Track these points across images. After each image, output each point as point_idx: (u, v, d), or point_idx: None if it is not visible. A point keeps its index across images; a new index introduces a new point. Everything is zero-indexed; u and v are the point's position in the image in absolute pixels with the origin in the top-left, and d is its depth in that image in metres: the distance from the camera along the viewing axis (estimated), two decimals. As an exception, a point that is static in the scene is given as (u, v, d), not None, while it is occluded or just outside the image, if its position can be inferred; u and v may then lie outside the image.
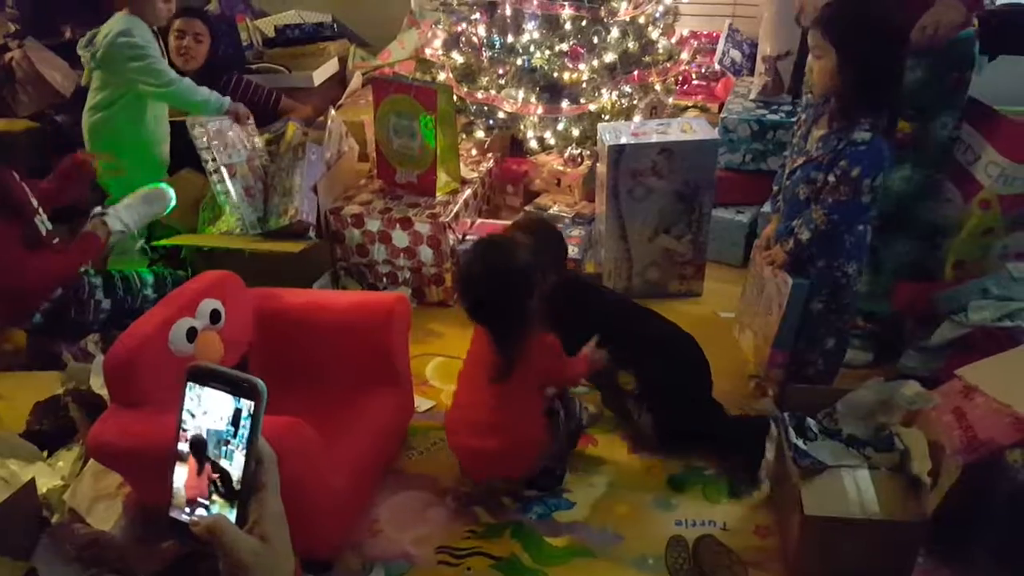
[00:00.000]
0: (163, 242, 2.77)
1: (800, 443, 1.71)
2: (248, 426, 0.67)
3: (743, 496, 1.97)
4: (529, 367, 1.80)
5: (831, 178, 1.81)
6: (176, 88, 2.69)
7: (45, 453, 2.04)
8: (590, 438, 2.16)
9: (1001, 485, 1.60)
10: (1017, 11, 2.81)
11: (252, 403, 0.67)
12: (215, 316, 1.84)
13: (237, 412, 0.67)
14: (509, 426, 1.83)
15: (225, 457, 0.68)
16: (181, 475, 0.69)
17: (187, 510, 0.69)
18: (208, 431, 0.68)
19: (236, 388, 0.67)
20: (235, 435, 0.67)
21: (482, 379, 1.82)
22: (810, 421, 1.77)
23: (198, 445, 0.68)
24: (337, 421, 1.85)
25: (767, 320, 2.08)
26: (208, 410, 0.68)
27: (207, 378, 0.68)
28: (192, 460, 0.69)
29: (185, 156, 2.99)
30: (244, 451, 0.67)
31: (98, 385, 2.13)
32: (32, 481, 1.86)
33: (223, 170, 2.68)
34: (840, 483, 1.66)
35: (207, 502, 0.68)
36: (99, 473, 1.88)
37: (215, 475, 0.68)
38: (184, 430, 0.69)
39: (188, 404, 0.68)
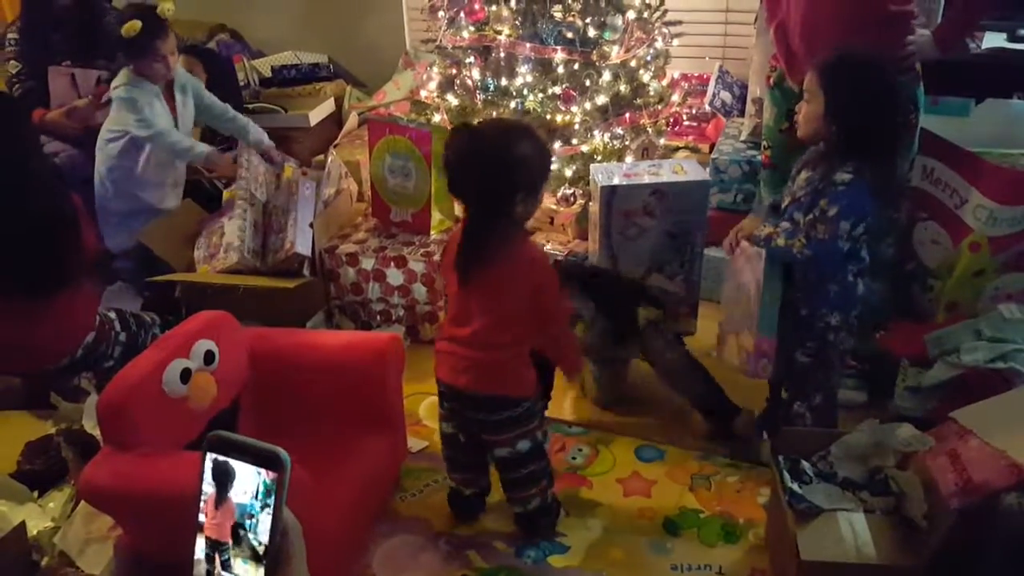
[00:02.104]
0: (158, 279, 2.78)
1: (795, 487, 1.70)
2: (273, 497, 0.65)
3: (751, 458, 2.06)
4: (514, 276, 1.72)
5: (810, 216, 1.83)
6: (155, 136, 2.82)
7: (36, 494, 2.02)
8: (585, 480, 2.15)
9: (997, 529, 1.59)
10: (1004, 55, 2.88)
11: (276, 474, 0.65)
12: (209, 357, 1.83)
13: (260, 483, 0.65)
14: (497, 343, 1.75)
15: (251, 530, 0.66)
16: (201, 544, 0.67)
17: (207, 552, 0.67)
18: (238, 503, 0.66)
19: (258, 459, 0.65)
20: (260, 508, 0.66)
21: (472, 299, 1.74)
22: (805, 464, 1.77)
23: (223, 476, 0.66)
24: (329, 463, 1.83)
25: (747, 309, 1.99)
26: (234, 468, 0.66)
27: (228, 449, 0.66)
28: (213, 492, 0.66)
29: (187, 187, 3.05)
30: (270, 522, 0.65)
31: (91, 426, 2.12)
32: (22, 523, 1.83)
33: (247, 199, 2.77)
34: (836, 527, 1.66)
35: (229, 548, 0.66)
36: (90, 515, 1.86)
37: (238, 527, 0.66)
38: (204, 502, 0.67)
39: (207, 475, 0.67)
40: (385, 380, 1.97)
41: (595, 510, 2.06)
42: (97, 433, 2.02)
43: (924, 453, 1.74)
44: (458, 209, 1.97)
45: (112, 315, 2.33)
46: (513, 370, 1.80)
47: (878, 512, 1.69)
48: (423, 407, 2.46)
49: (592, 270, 2.33)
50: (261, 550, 0.66)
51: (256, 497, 0.65)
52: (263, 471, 0.65)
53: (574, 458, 2.23)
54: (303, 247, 2.70)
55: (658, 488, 2.12)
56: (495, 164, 1.66)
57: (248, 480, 0.66)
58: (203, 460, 0.67)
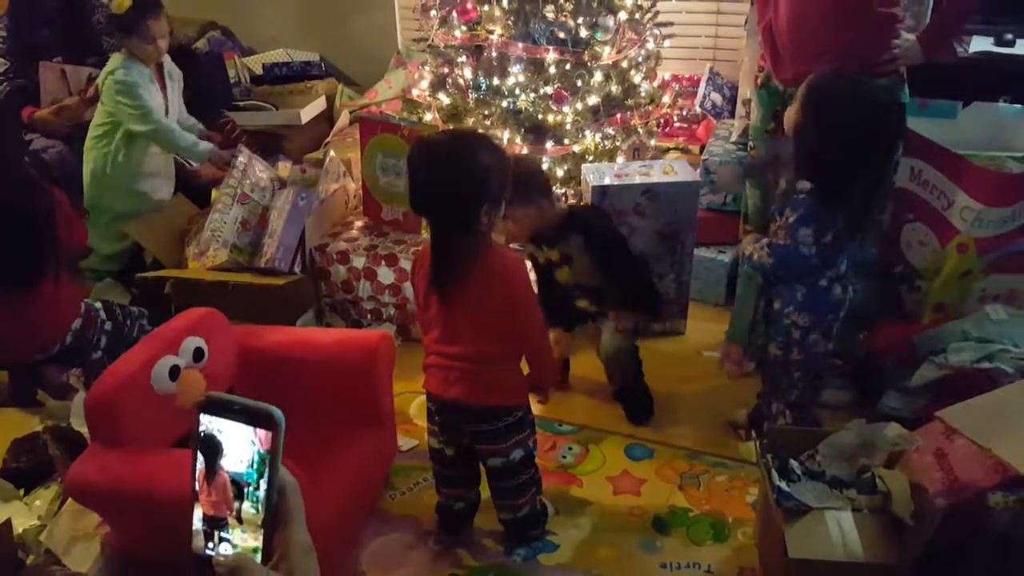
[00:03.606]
0: (147, 275, 2.77)
1: (783, 485, 1.71)
2: (268, 458, 0.64)
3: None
4: (491, 291, 1.68)
5: (776, 224, 1.87)
6: (157, 129, 2.83)
7: (22, 492, 2.01)
8: (575, 479, 2.15)
9: (983, 527, 1.61)
10: (990, 59, 2.91)
11: (271, 433, 0.64)
12: (198, 354, 1.83)
13: (255, 454, 0.64)
14: (488, 356, 1.73)
15: (249, 499, 0.65)
16: (199, 513, 0.67)
17: (205, 528, 0.66)
18: (229, 473, 0.65)
19: (253, 419, 0.65)
20: (256, 477, 0.65)
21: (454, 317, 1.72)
22: (793, 463, 1.78)
23: (209, 446, 0.65)
24: (319, 461, 1.83)
25: None
26: (226, 444, 0.65)
27: (222, 410, 0.65)
28: (202, 465, 0.66)
29: (179, 183, 3.07)
30: (266, 483, 0.64)
31: (78, 423, 2.10)
32: (8, 521, 1.82)
33: (236, 195, 2.76)
34: (824, 525, 1.66)
35: (227, 523, 0.65)
36: (77, 513, 1.85)
37: (235, 504, 0.65)
38: (198, 467, 0.66)
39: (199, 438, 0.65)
40: (375, 378, 1.97)
41: (585, 508, 2.06)
42: (84, 431, 2.02)
43: (911, 452, 1.75)
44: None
45: (98, 304, 2.35)
46: (506, 379, 1.78)
47: (865, 510, 1.69)
48: (413, 406, 2.46)
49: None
50: (259, 519, 0.65)
51: (252, 466, 0.65)
52: (257, 438, 0.64)
53: (564, 456, 2.24)
54: (283, 261, 2.69)
55: (648, 487, 2.12)
56: (458, 177, 1.61)
57: (243, 448, 0.65)
58: (197, 421, 0.66)
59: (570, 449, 2.27)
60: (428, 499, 2.03)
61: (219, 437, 0.65)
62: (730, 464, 2.18)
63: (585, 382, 2.56)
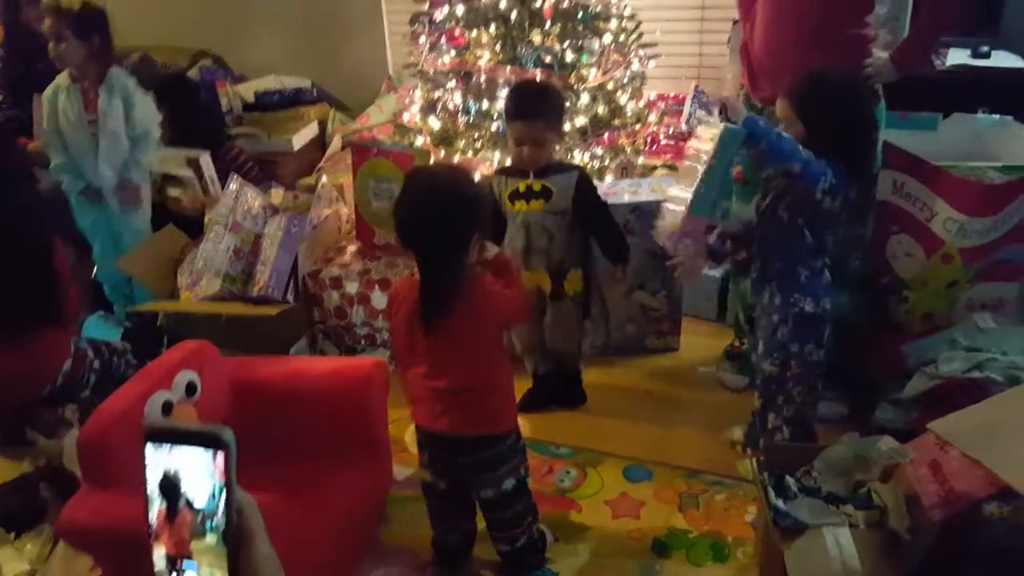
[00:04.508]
0: (140, 308, 2.77)
1: (780, 503, 1.71)
2: (224, 479, 0.64)
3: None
4: (479, 316, 1.69)
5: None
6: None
7: (12, 535, 1.98)
8: (574, 503, 2.15)
9: (979, 538, 1.61)
10: (967, 71, 2.95)
11: (223, 453, 0.63)
12: (191, 388, 1.83)
13: (215, 487, 0.64)
14: (476, 385, 1.74)
15: (212, 530, 0.64)
16: (160, 552, 0.66)
17: (168, 567, 0.65)
18: (191, 508, 0.65)
19: (203, 442, 0.64)
20: (216, 507, 0.64)
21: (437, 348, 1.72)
22: (789, 480, 1.78)
23: (169, 487, 0.64)
24: (314, 492, 1.82)
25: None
26: (185, 480, 0.64)
27: (167, 438, 0.65)
28: (162, 506, 0.65)
29: (170, 214, 3.05)
30: (224, 504, 0.64)
31: (70, 463, 2.09)
32: (-2, 566, 1.81)
33: (228, 223, 2.76)
34: (822, 542, 1.66)
35: (190, 556, 0.65)
36: (69, 556, 1.82)
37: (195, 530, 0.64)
38: (155, 513, 0.65)
39: (151, 472, 0.64)
40: (369, 407, 1.96)
41: (584, 534, 2.05)
42: (77, 471, 2.00)
43: (906, 465, 1.76)
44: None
45: (84, 344, 2.31)
46: (494, 407, 1.78)
47: (862, 526, 1.70)
48: (409, 433, 2.45)
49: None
50: (222, 547, 0.65)
51: (213, 497, 0.64)
52: (215, 468, 0.64)
53: (562, 481, 2.23)
54: (276, 289, 2.69)
55: (647, 509, 2.12)
56: (455, 208, 1.64)
57: (202, 480, 0.64)
58: (143, 452, 0.65)
59: (568, 473, 2.26)
60: (425, 530, 2.02)
61: (178, 475, 0.65)
62: (728, 482, 2.17)
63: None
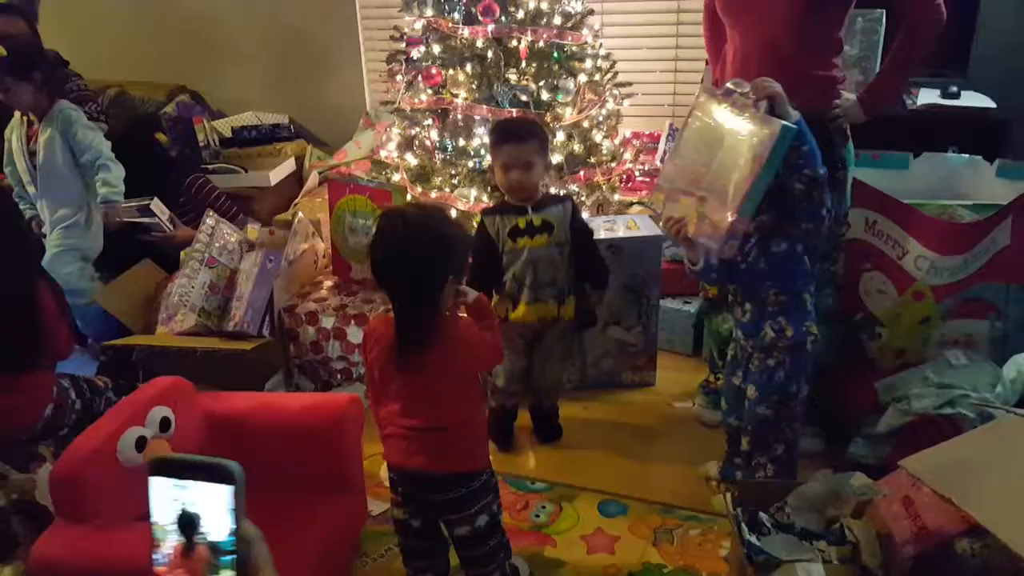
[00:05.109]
0: (115, 342, 2.74)
1: (753, 539, 1.71)
2: (232, 512, 0.64)
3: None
4: (453, 358, 1.69)
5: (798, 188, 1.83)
6: None
7: (-19, 572, 1.95)
8: (549, 539, 2.14)
9: (952, 575, 1.62)
10: (937, 111, 3.03)
11: (232, 487, 0.64)
12: (165, 424, 1.81)
13: (230, 525, 0.64)
14: (451, 423, 1.72)
15: (226, 566, 0.64)
16: None
17: None
18: (209, 541, 0.64)
19: (210, 475, 0.64)
20: (231, 541, 0.64)
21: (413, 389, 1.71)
22: (763, 516, 1.78)
23: (188, 522, 0.64)
24: (288, 528, 1.80)
25: (730, 178, 1.76)
26: (203, 515, 0.64)
27: (174, 471, 0.65)
28: (179, 540, 0.64)
29: (147, 249, 3.04)
30: (234, 539, 0.64)
31: (43, 497, 2.05)
32: (-36, 605, 1.77)
33: (204, 258, 2.76)
34: (796, 578, 1.67)
35: None
36: (38, 593, 1.79)
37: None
38: (164, 539, 0.65)
39: (157, 505, 0.65)
40: (344, 443, 1.95)
41: (560, 569, 2.04)
42: (49, 505, 1.97)
43: (879, 501, 1.77)
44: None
45: (67, 383, 2.28)
46: (467, 445, 1.77)
47: (836, 561, 1.70)
48: (384, 468, 2.43)
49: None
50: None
51: (232, 532, 0.65)
52: (229, 500, 0.63)
53: (537, 516, 2.22)
54: (251, 324, 2.69)
55: (621, 544, 2.11)
56: (432, 249, 1.63)
57: (219, 514, 0.64)
58: (149, 486, 0.65)
59: (543, 508, 2.25)
60: (399, 565, 1.99)
61: (196, 510, 0.65)
62: (703, 517, 2.17)
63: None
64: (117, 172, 3.01)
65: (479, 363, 1.83)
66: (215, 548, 0.65)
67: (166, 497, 0.65)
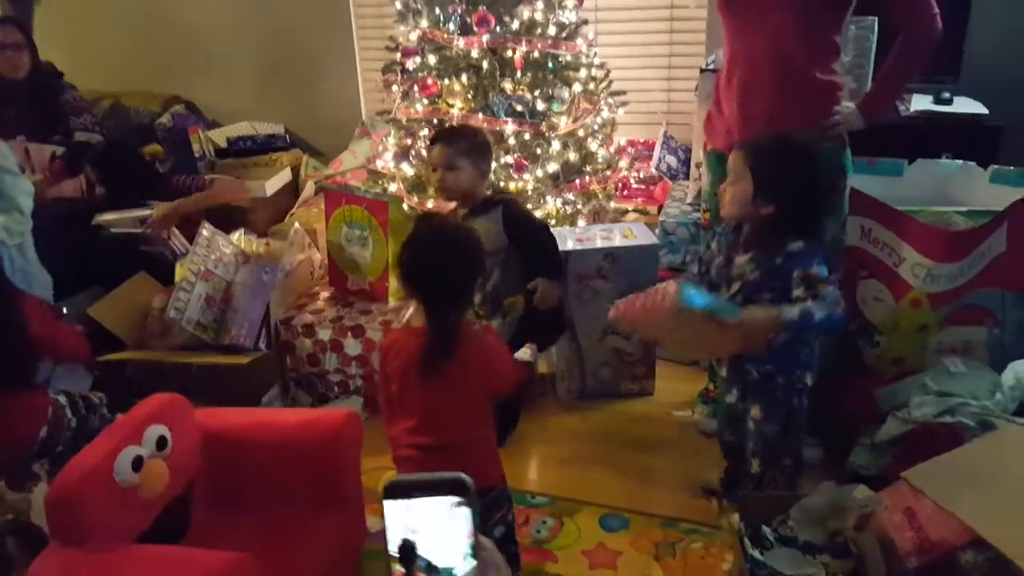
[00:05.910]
0: (110, 357, 2.72)
1: (756, 554, 1.71)
2: (470, 532, 0.60)
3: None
4: (473, 370, 1.69)
5: (799, 290, 1.80)
6: None
7: (-26, 595, 1.93)
8: (550, 554, 2.12)
9: (955, 587, 1.61)
10: (930, 117, 3.04)
11: (467, 501, 0.61)
12: (162, 442, 1.79)
13: (468, 547, 0.60)
14: (465, 440, 1.74)
15: None
16: None
17: None
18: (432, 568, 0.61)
19: (443, 490, 0.61)
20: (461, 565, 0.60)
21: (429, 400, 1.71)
22: (766, 529, 1.78)
23: (405, 551, 0.62)
24: (286, 546, 1.79)
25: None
26: (422, 542, 0.61)
27: (405, 492, 0.62)
28: (399, 571, 0.61)
29: (145, 261, 3.01)
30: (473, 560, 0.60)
31: (38, 518, 2.03)
32: (-42, 630, 1.74)
33: (200, 271, 2.73)
34: (799, 592, 1.66)
35: None
36: (34, 616, 1.77)
37: None
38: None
39: (393, 532, 0.61)
40: (341, 460, 1.93)
41: (561, 586, 2.03)
42: (45, 526, 1.95)
43: (882, 512, 1.76)
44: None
45: (62, 400, 2.25)
46: (483, 461, 1.77)
47: (839, 575, 1.69)
48: (383, 483, 2.42)
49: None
50: None
51: (464, 557, 0.61)
52: (460, 518, 0.60)
53: (539, 531, 2.21)
54: (247, 338, 2.68)
55: (624, 559, 2.09)
56: (467, 255, 1.70)
57: (443, 536, 0.60)
58: (382, 511, 0.62)
59: (544, 523, 2.24)
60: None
61: (415, 536, 0.62)
62: (705, 530, 2.16)
63: (556, 448, 2.55)
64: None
65: (498, 378, 1.78)
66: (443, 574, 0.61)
67: (398, 524, 0.62)
